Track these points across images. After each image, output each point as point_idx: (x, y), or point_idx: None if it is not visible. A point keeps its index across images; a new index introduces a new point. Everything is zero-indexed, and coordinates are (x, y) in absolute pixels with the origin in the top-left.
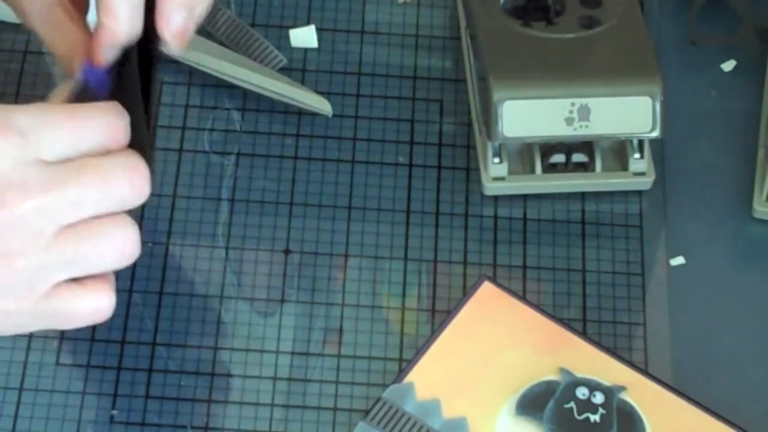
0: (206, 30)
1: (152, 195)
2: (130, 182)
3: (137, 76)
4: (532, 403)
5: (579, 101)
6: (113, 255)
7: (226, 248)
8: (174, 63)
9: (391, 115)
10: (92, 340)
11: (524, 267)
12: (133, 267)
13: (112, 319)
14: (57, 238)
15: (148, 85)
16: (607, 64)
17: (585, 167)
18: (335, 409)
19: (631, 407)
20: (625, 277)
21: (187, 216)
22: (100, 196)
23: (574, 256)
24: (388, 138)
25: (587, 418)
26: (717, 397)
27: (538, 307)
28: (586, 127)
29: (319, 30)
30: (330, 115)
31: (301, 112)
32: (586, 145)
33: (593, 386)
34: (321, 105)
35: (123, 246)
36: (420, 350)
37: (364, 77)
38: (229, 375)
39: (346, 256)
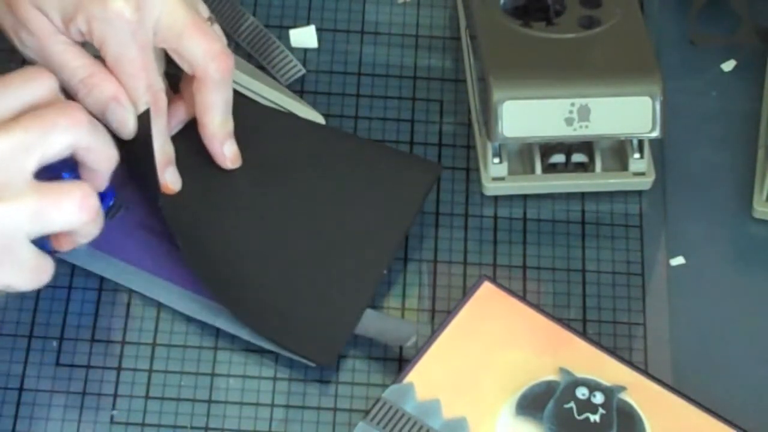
0: (229, 35)
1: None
2: (64, 115)
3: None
4: (532, 403)
5: (579, 101)
6: (73, 211)
7: None
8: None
9: (391, 115)
10: (92, 340)
11: (524, 267)
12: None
13: (111, 319)
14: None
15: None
16: (607, 64)
17: (585, 167)
18: (335, 409)
19: (631, 407)
20: (625, 277)
21: None
22: (42, 136)
23: (574, 256)
24: (388, 138)
25: (587, 418)
26: (717, 397)
27: (538, 307)
28: (586, 127)
29: (319, 30)
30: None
31: None
32: (586, 145)
33: (593, 386)
34: (314, 119)
35: (81, 202)
36: (420, 350)
37: (364, 77)
38: (229, 375)
39: None
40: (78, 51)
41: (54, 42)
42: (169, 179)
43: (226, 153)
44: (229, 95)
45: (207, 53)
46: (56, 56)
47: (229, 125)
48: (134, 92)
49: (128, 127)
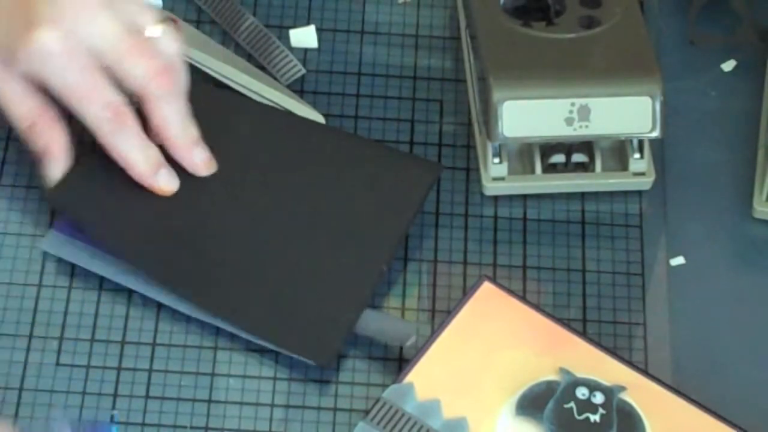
0: (229, 35)
1: None
2: None
3: None
4: (532, 403)
5: (579, 101)
6: None
7: None
8: None
9: (391, 115)
10: (92, 340)
11: (524, 267)
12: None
13: (111, 319)
14: None
15: None
16: (607, 64)
17: (585, 167)
18: (335, 409)
19: (631, 407)
20: (625, 277)
21: None
22: None
23: (574, 256)
24: (388, 138)
25: (587, 418)
26: (717, 397)
27: (538, 307)
28: (586, 127)
29: (319, 30)
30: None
31: None
32: (586, 145)
33: (593, 386)
34: (315, 119)
35: None
36: (420, 350)
37: (364, 77)
38: (229, 375)
39: None
40: (24, 94)
41: (2, 84)
42: (163, 181)
43: (197, 160)
44: (181, 105)
45: (146, 73)
46: (4, 100)
47: (191, 132)
48: (90, 115)
49: (50, 180)
